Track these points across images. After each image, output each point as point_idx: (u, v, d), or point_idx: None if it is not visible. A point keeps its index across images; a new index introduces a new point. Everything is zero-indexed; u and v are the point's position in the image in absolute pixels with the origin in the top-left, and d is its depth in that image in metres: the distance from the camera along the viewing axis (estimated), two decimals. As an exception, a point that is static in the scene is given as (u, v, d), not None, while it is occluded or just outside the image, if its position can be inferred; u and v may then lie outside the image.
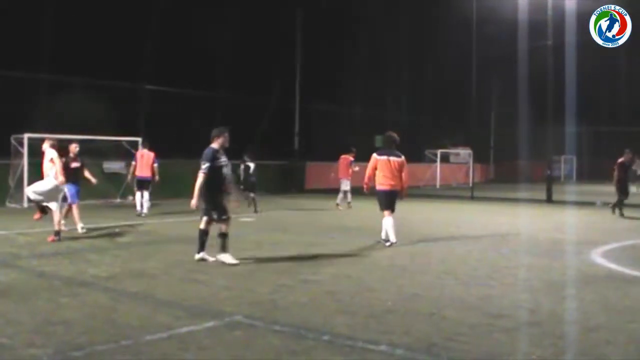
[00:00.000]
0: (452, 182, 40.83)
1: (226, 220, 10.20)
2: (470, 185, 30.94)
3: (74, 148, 14.45)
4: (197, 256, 10.31)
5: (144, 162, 18.48)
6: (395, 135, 12.99)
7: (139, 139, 21.49)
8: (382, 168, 12.54)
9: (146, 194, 18.47)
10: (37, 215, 12.63)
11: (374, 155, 12.79)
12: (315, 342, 6.08)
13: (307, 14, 31.76)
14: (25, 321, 6.67)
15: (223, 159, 10.28)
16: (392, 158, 12.59)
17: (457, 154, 44.05)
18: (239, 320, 6.77)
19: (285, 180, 30.77)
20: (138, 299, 7.81)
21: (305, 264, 10.24)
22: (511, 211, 21.97)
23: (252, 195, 19.67)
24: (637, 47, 24.56)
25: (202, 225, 10.34)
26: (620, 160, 19.65)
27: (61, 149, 13.20)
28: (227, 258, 10.09)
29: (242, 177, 19.76)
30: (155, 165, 18.50)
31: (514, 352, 5.98)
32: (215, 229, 10.31)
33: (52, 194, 12.40)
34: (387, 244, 12.41)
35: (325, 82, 33.96)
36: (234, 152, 28.63)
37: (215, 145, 10.30)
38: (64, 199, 13.68)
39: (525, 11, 27.78)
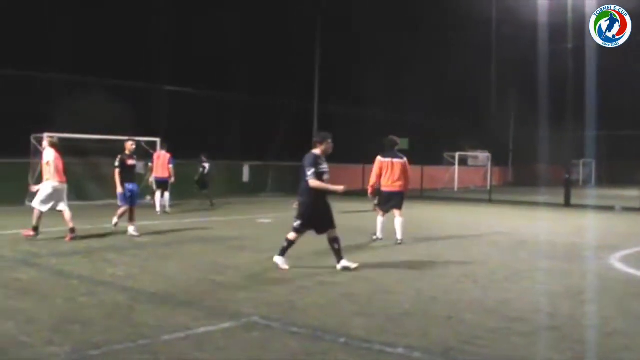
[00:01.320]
0: (470, 185, 40.69)
1: (333, 229, 9.86)
2: (489, 188, 30.83)
3: (130, 146, 13.76)
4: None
5: (160, 163, 18.76)
6: (396, 138, 13.56)
7: (158, 140, 21.67)
8: (386, 170, 13.05)
9: (167, 194, 18.76)
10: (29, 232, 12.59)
11: (378, 158, 13.28)
12: (332, 344, 6.06)
13: (326, 17, 31.71)
14: (44, 319, 6.71)
15: (324, 166, 9.79)
16: (395, 160, 13.13)
17: (476, 157, 43.91)
18: (256, 321, 6.77)
19: None
20: (156, 299, 7.83)
21: (323, 266, 10.21)
22: (529, 215, 21.85)
23: (205, 191, 21.82)
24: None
25: (290, 236, 9.91)
26: None
27: (60, 147, 12.93)
28: (345, 263, 9.82)
29: (197, 176, 21.77)
30: (171, 166, 18.71)
31: (532, 356, 5.95)
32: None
33: (56, 196, 12.46)
34: (374, 237, 13.26)
35: (343, 84, 33.92)
36: (247, 152, 28.49)
37: (317, 151, 9.81)
38: (125, 199, 13.56)
39: (545, 14, 27.64)
